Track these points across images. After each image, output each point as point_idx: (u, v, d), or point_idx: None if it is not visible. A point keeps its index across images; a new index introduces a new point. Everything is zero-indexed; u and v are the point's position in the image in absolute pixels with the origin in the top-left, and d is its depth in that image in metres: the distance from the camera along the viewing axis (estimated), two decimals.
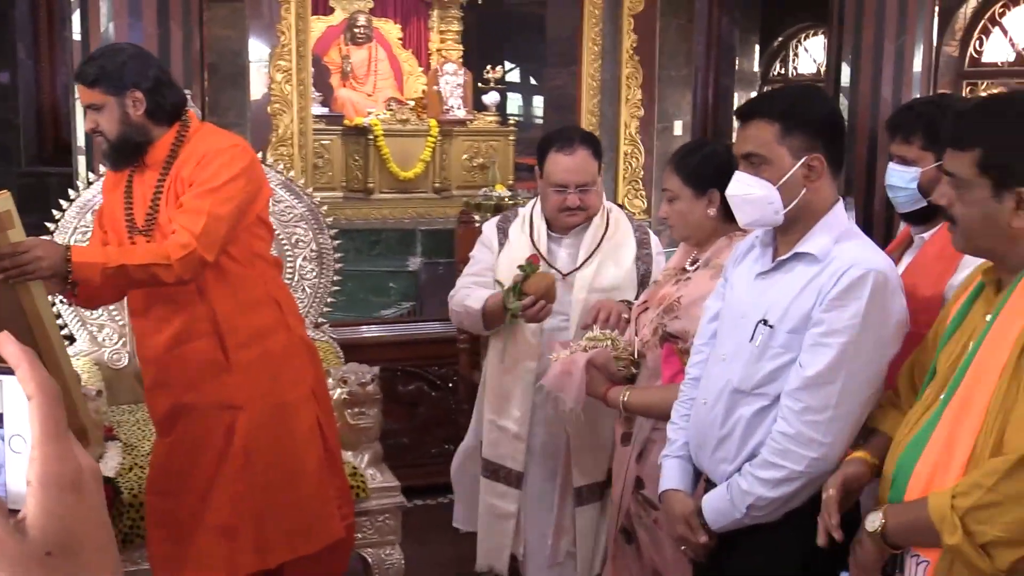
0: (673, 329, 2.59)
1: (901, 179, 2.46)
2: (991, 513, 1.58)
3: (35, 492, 0.63)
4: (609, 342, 2.73)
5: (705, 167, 2.61)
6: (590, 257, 3.08)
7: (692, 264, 2.71)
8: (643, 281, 3.06)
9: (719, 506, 2.17)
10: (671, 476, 2.36)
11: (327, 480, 2.90)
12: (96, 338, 3.90)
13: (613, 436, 2.86)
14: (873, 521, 1.79)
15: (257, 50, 5.51)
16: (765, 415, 2.14)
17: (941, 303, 2.29)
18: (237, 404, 2.74)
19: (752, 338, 2.17)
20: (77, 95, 2.73)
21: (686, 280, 2.66)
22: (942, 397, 1.78)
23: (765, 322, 2.15)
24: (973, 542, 1.59)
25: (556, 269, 3.09)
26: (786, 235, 2.17)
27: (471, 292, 3.10)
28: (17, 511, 0.64)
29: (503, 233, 3.17)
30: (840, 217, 2.14)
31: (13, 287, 2.35)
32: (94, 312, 3.88)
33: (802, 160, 2.09)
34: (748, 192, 2.15)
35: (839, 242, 2.10)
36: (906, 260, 2.52)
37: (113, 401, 3.77)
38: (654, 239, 3.20)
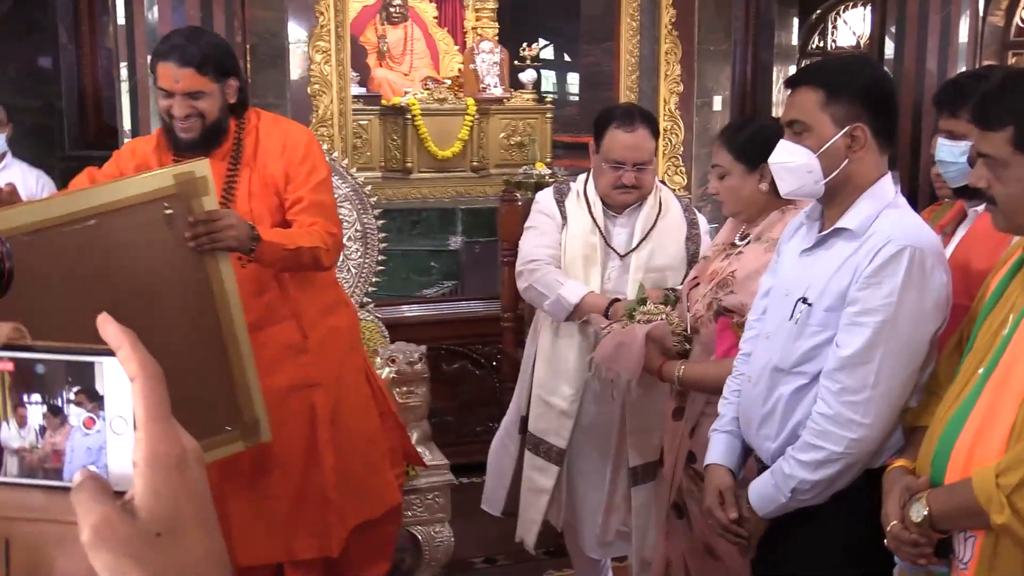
0: (728, 303, 2.58)
1: (951, 154, 2.44)
2: None
3: (143, 473, 0.63)
4: (663, 316, 2.72)
5: (755, 142, 2.60)
6: (645, 238, 3.07)
7: (742, 238, 2.70)
8: (692, 261, 3.06)
9: (765, 491, 2.17)
10: (716, 450, 2.37)
11: (384, 444, 2.96)
12: None
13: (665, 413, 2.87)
14: (918, 511, 1.75)
15: (296, 31, 5.52)
16: (805, 393, 2.14)
17: None
18: (315, 382, 2.81)
19: (791, 316, 2.17)
20: (159, 80, 2.62)
21: (737, 254, 2.65)
22: (981, 371, 1.75)
23: (804, 300, 2.14)
24: (1021, 519, 1.57)
25: (614, 249, 3.08)
26: (830, 209, 2.15)
27: (560, 278, 3.06)
28: (122, 493, 0.64)
29: (561, 206, 3.16)
30: (885, 191, 2.10)
31: (201, 257, 2.35)
32: None
33: (845, 129, 2.07)
34: (789, 160, 2.14)
35: (880, 217, 2.06)
36: (960, 234, 2.50)
37: None
38: (701, 219, 3.20)
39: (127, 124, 4.46)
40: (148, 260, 2.31)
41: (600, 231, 3.07)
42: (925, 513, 1.73)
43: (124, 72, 4.40)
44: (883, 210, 2.07)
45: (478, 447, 4.58)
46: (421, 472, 3.34)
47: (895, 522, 1.81)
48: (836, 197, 2.13)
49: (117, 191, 2.27)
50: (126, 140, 4.48)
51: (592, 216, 3.09)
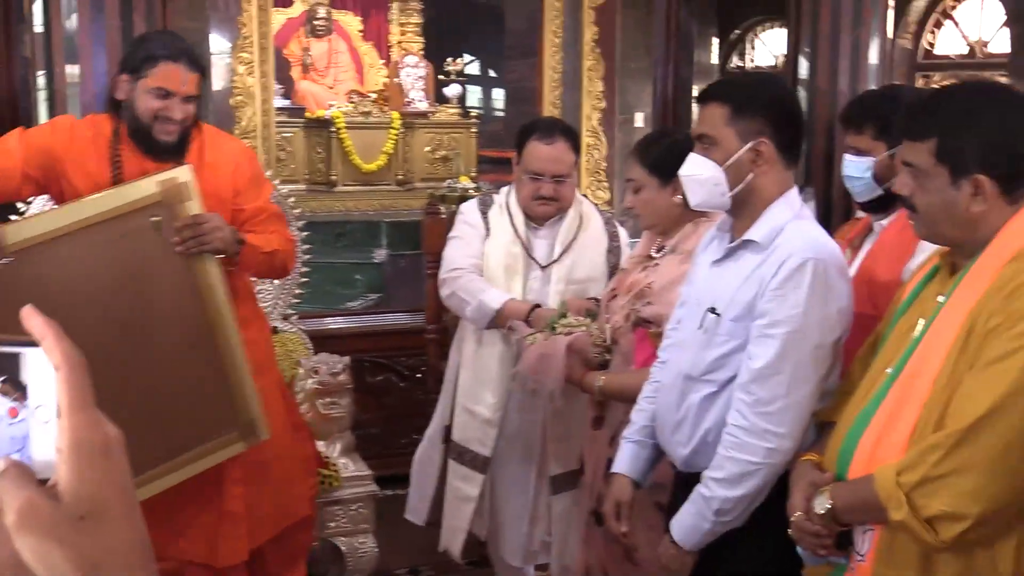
0: (646, 314, 2.64)
1: (856, 169, 2.54)
2: (935, 487, 1.63)
3: (67, 458, 0.64)
4: (584, 327, 2.78)
5: (668, 156, 2.64)
6: (566, 250, 3.12)
7: (658, 251, 2.76)
8: (612, 273, 3.11)
9: (687, 521, 2.19)
10: (621, 460, 2.43)
11: (295, 457, 2.97)
12: None
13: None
14: (822, 503, 1.81)
15: (218, 42, 5.49)
16: (713, 400, 2.20)
17: (898, 286, 2.37)
18: None
19: (700, 325, 2.24)
20: (159, 80, 2.53)
21: (654, 266, 2.72)
22: (888, 371, 1.83)
23: (713, 310, 2.21)
24: (918, 516, 1.64)
25: (535, 260, 3.13)
26: (739, 221, 2.22)
27: (481, 285, 3.08)
28: (45, 481, 0.65)
29: (485, 218, 3.20)
30: (790, 204, 2.18)
31: (189, 262, 2.34)
32: None
33: (749, 144, 2.14)
34: (697, 172, 2.20)
35: (785, 229, 2.14)
36: (866, 247, 2.59)
37: None
38: (622, 232, 3.25)
39: None
40: (138, 269, 2.32)
41: (522, 242, 3.11)
42: (828, 506, 1.80)
43: (41, 80, 4.34)
44: (788, 223, 2.14)
45: (403, 459, 4.56)
46: (344, 483, 3.34)
47: (799, 513, 1.87)
48: (743, 209, 2.20)
49: (103, 203, 2.27)
50: None
51: (514, 227, 3.13)
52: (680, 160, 2.54)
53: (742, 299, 2.14)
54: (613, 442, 2.71)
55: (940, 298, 1.82)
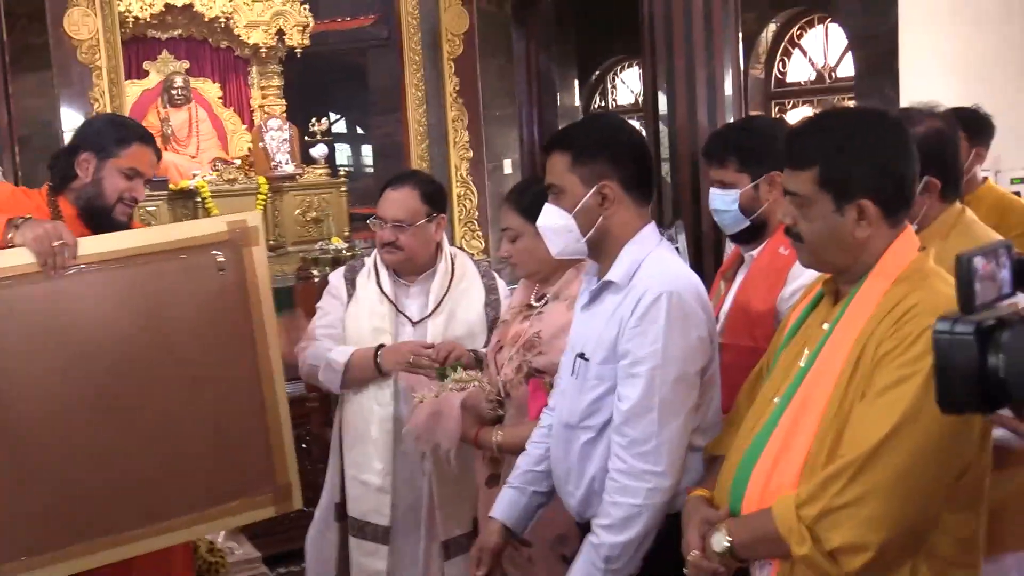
0: (539, 364, 2.60)
1: (723, 202, 2.56)
2: (837, 518, 1.62)
3: None
4: (475, 383, 2.71)
5: (542, 202, 2.64)
6: (439, 305, 3.06)
7: (539, 299, 2.72)
8: (492, 326, 3.05)
9: (583, 572, 2.15)
10: (498, 505, 2.40)
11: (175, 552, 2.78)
12: None
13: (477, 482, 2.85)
14: (720, 541, 1.78)
15: (70, 119, 5.33)
16: (594, 446, 2.17)
17: (774, 316, 2.39)
18: None
19: (572, 371, 2.23)
20: (134, 161, 2.52)
21: (538, 315, 2.67)
22: (777, 401, 1.83)
23: (582, 355, 2.20)
24: (821, 549, 1.63)
25: (406, 316, 3.06)
26: (601, 263, 2.21)
27: (329, 345, 3.01)
28: None
29: (350, 284, 3.11)
30: (645, 241, 2.17)
31: (248, 309, 2.34)
32: None
33: (593, 188, 2.13)
34: (551, 222, 2.20)
35: (641, 266, 2.13)
36: (739, 278, 2.62)
37: None
38: (501, 283, 3.18)
39: None
40: (195, 305, 2.29)
41: (388, 299, 3.05)
42: (727, 543, 1.77)
43: None
44: (645, 258, 2.14)
45: (295, 534, 4.42)
46: (232, 568, 3.20)
47: (695, 552, 1.84)
48: (601, 253, 2.19)
49: (171, 233, 2.29)
50: None
51: (379, 285, 3.07)
52: None
53: (606, 340, 2.13)
54: None
55: (825, 326, 1.82)
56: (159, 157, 2.67)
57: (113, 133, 2.56)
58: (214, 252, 2.31)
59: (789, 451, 1.73)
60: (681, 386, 2.06)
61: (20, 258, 2.19)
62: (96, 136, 2.57)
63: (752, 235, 2.55)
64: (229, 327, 2.34)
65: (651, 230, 2.20)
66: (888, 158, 1.76)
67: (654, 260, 2.15)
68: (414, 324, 3.04)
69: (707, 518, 1.86)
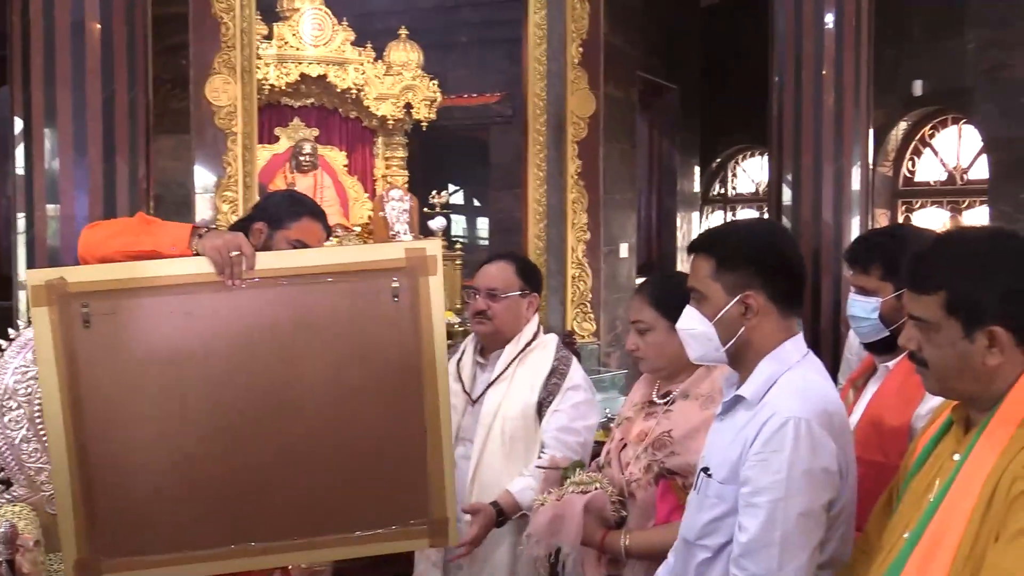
0: (672, 465, 2.50)
1: (863, 310, 2.47)
2: None
3: None
4: (597, 484, 2.60)
5: (680, 297, 2.56)
6: (499, 376, 3.01)
7: (663, 397, 2.64)
8: (541, 407, 2.98)
9: None
10: None
11: None
12: (35, 482, 3.73)
13: None
14: None
15: (203, 179, 5.50)
16: (710, 567, 2.07)
17: (908, 433, 2.28)
18: None
19: (696, 486, 2.14)
20: (300, 234, 2.62)
21: (665, 413, 2.59)
22: (906, 536, 1.71)
23: (706, 470, 2.10)
24: None
25: (467, 393, 3.04)
26: (740, 373, 2.11)
27: None
28: None
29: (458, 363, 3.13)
30: (786, 355, 2.05)
31: (420, 341, 2.34)
32: (32, 455, 3.73)
33: (736, 298, 2.04)
34: (690, 327, 2.12)
35: (776, 384, 2.02)
36: (871, 388, 2.51)
37: (51, 548, 3.58)
38: (575, 371, 3.06)
39: (22, 275, 4.33)
40: (365, 328, 2.32)
41: (459, 375, 3.03)
42: None
43: (21, 223, 4.30)
44: (780, 376, 2.03)
45: None
46: None
47: None
48: (741, 363, 2.09)
49: (349, 255, 2.36)
50: (21, 292, 4.35)
51: (459, 361, 3.06)
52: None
53: (729, 459, 2.02)
54: None
55: (956, 456, 1.71)
56: (329, 234, 2.74)
57: (287, 206, 2.67)
58: (391, 278, 2.32)
59: None
60: (805, 521, 1.92)
61: (201, 267, 2.26)
62: (272, 208, 2.68)
63: (888, 346, 2.45)
64: (397, 355, 2.34)
65: (794, 344, 2.08)
66: (1021, 281, 1.66)
67: (791, 378, 2.03)
68: (473, 402, 3.00)
69: None
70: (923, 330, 1.71)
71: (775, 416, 1.95)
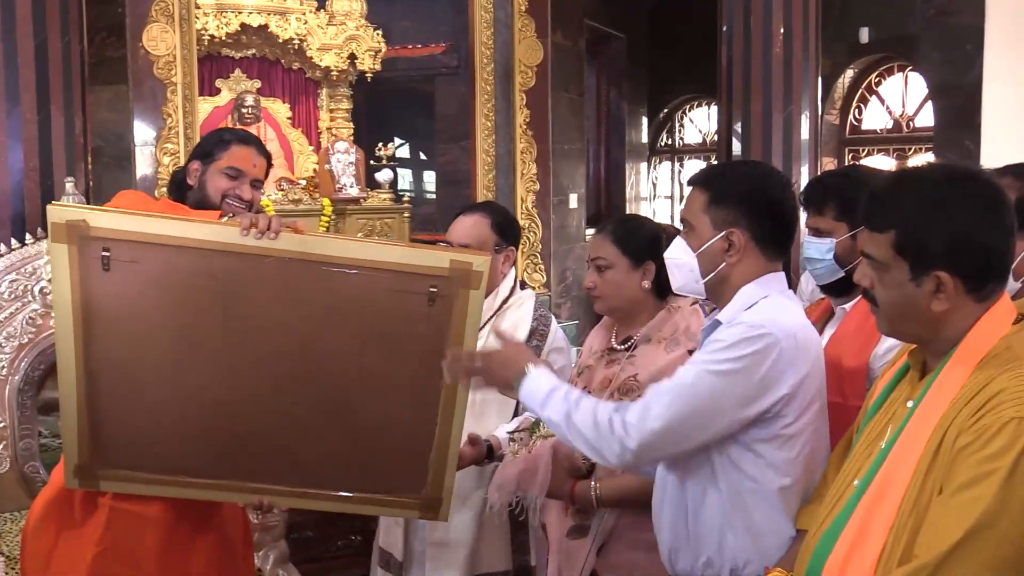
0: None
1: (817, 251, 2.46)
2: None
3: None
4: None
5: (640, 236, 2.60)
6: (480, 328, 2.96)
7: (623, 343, 2.62)
8: None
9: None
10: None
11: None
12: None
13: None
14: None
15: (143, 132, 5.35)
16: (681, 491, 2.09)
17: (866, 373, 2.28)
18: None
19: None
20: (234, 160, 2.62)
21: (629, 358, 2.57)
22: (856, 483, 1.70)
23: None
24: None
25: None
26: (719, 308, 2.12)
27: None
28: None
29: None
30: (765, 285, 2.06)
31: (445, 342, 2.34)
32: None
33: (721, 233, 2.05)
34: (675, 256, 2.14)
35: (751, 308, 2.02)
36: (828, 332, 2.50)
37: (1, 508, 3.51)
38: (555, 333, 3.01)
39: None
40: (393, 323, 2.34)
41: None
42: None
43: None
44: (758, 302, 2.03)
45: (343, 562, 4.37)
46: None
47: None
48: (719, 297, 2.11)
49: (394, 254, 2.33)
50: None
51: None
52: (653, 244, 2.56)
53: None
54: (601, 552, 2.53)
55: (909, 403, 1.70)
56: (268, 160, 2.71)
57: (215, 139, 2.67)
58: (430, 284, 2.31)
59: (865, 542, 1.61)
60: (710, 404, 1.94)
61: (230, 236, 2.25)
62: (201, 146, 2.69)
63: (843, 287, 2.44)
64: (420, 353, 2.35)
65: (774, 278, 2.08)
66: (974, 229, 1.60)
67: (769, 304, 2.03)
68: None
69: None
70: (875, 268, 1.69)
71: (743, 324, 1.97)
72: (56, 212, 2.22)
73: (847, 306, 2.46)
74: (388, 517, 2.97)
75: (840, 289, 2.45)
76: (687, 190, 2.20)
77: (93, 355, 2.28)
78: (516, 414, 2.88)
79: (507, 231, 2.97)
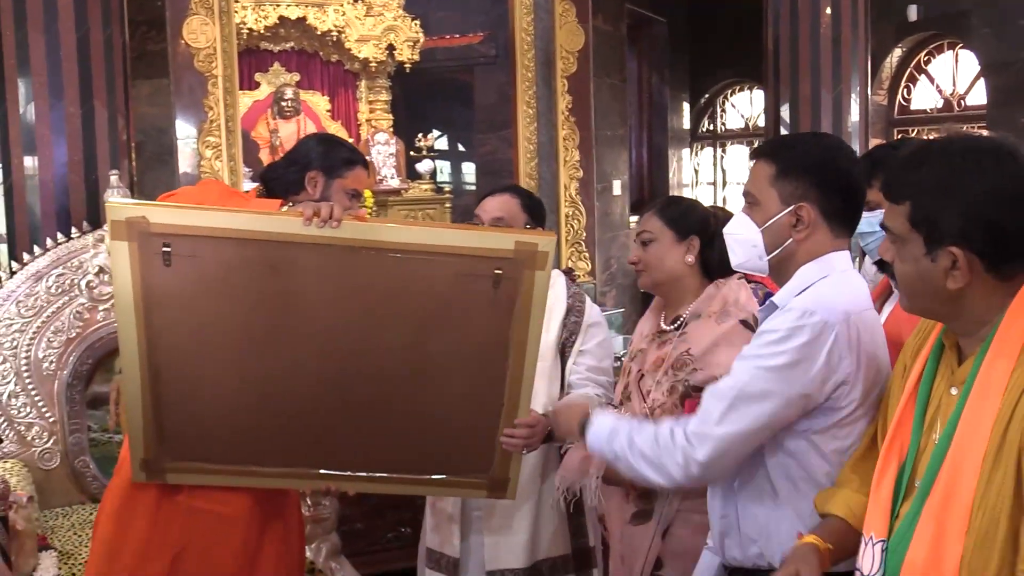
0: (696, 381, 2.43)
1: (868, 224, 2.38)
2: None
3: None
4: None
5: (689, 214, 2.60)
6: None
7: (672, 322, 2.59)
8: (564, 348, 2.89)
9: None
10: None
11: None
12: (25, 438, 3.64)
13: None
14: None
15: (184, 128, 5.34)
16: (732, 480, 2.03)
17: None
18: None
19: None
20: (351, 182, 2.62)
21: (680, 336, 2.53)
22: (918, 484, 1.62)
23: None
24: None
25: None
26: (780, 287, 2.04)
27: None
28: None
29: None
30: (825, 265, 1.97)
31: (510, 329, 2.35)
32: (22, 410, 3.63)
33: (789, 208, 1.97)
34: (737, 231, 2.05)
35: (808, 290, 1.94)
36: (887, 309, 2.43)
37: (45, 505, 3.51)
38: (591, 308, 2.98)
39: (1, 228, 4.20)
40: (460, 307, 2.32)
41: None
42: None
43: None
44: (816, 282, 1.95)
45: (391, 555, 4.34)
46: None
47: None
48: (782, 275, 2.02)
49: (459, 238, 2.31)
50: (1, 245, 4.22)
51: None
52: (700, 221, 2.57)
53: None
54: (666, 535, 2.49)
55: (953, 391, 1.62)
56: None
57: (341, 155, 2.66)
58: (495, 267, 2.29)
59: (943, 548, 1.53)
60: (769, 397, 1.87)
61: (291, 227, 2.24)
62: (326, 156, 2.65)
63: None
64: (486, 335, 2.35)
65: (840, 257, 1.99)
66: (992, 204, 1.52)
67: (827, 285, 1.95)
68: None
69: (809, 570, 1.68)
70: (893, 242, 1.62)
71: (795, 310, 1.89)
72: (116, 209, 2.20)
73: None
74: (436, 516, 2.92)
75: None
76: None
77: (156, 350, 2.28)
78: (563, 392, 2.85)
79: (535, 211, 2.94)
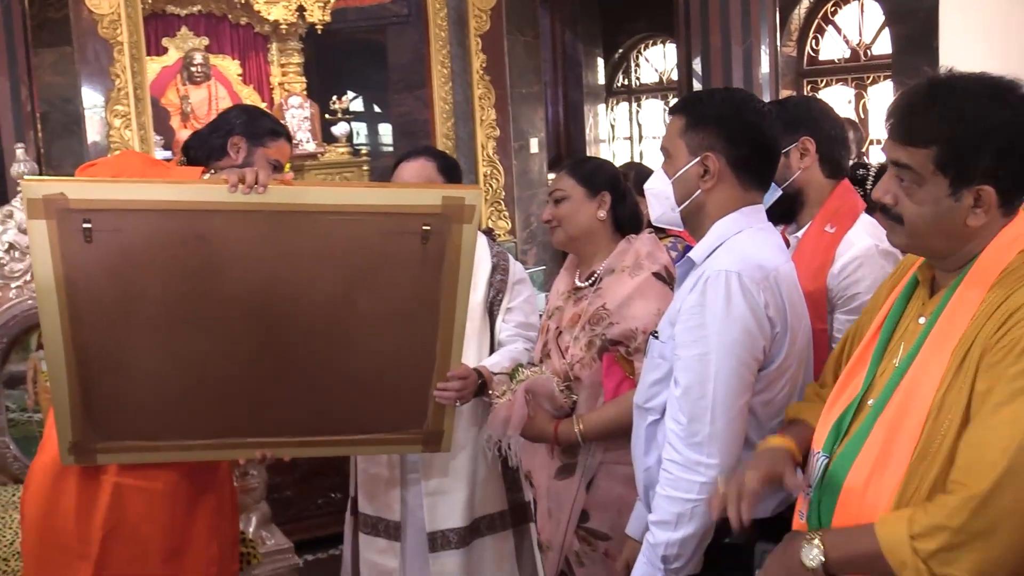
0: (613, 335, 2.49)
1: None
2: (956, 555, 1.47)
3: None
4: (541, 375, 2.58)
5: (599, 171, 2.67)
6: None
7: (587, 279, 2.64)
8: (491, 306, 2.92)
9: (642, 573, 2.02)
10: (632, 522, 2.30)
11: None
12: None
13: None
14: (812, 555, 1.62)
15: (91, 96, 5.22)
16: (657, 429, 2.06)
17: (825, 294, 2.32)
18: None
19: (646, 352, 2.14)
20: (276, 154, 2.66)
21: (596, 292, 2.58)
22: (872, 403, 1.68)
23: (655, 334, 2.10)
24: None
25: None
26: (695, 239, 2.09)
27: None
28: None
29: None
30: (739, 220, 2.02)
31: (440, 285, 2.36)
32: None
33: (697, 158, 2.02)
34: (652, 185, 2.11)
35: (723, 246, 1.99)
36: None
37: None
38: (514, 265, 3.01)
39: None
40: (390, 265, 2.33)
41: None
42: (822, 559, 1.63)
43: None
44: (730, 238, 2.00)
45: (323, 520, 4.36)
46: (264, 559, 3.10)
47: (755, 483, 1.71)
48: (695, 228, 2.07)
49: (384, 197, 2.31)
50: None
51: None
52: (611, 178, 2.65)
53: (669, 319, 2.03)
54: (591, 487, 2.54)
55: (922, 320, 1.67)
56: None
57: (267, 124, 2.68)
58: (423, 223, 2.30)
59: (887, 464, 1.59)
60: (736, 375, 1.91)
61: (215, 194, 2.21)
62: (250, 123, 2.66)
63: (787, 212, 2.42)
64: (416, 292, 2.37)
65: (751, 211, 2.04)
66: (1018, 140, 1.57)
67: (741, 239, 2.00)
68: None
69: (781, 474, 1.71)
70: (905, 182, 1.64)
71: (706, 272, 1.95)
72: (32, 187, 2.13)
73: (799, 234, 2.47)
74: (371, 483, 2.93)
75: (781, 214, 2.40)
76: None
77: (81, 330, 2.23)
78: (493, 350, 2.89)
79: (452, 173, 2.95)
